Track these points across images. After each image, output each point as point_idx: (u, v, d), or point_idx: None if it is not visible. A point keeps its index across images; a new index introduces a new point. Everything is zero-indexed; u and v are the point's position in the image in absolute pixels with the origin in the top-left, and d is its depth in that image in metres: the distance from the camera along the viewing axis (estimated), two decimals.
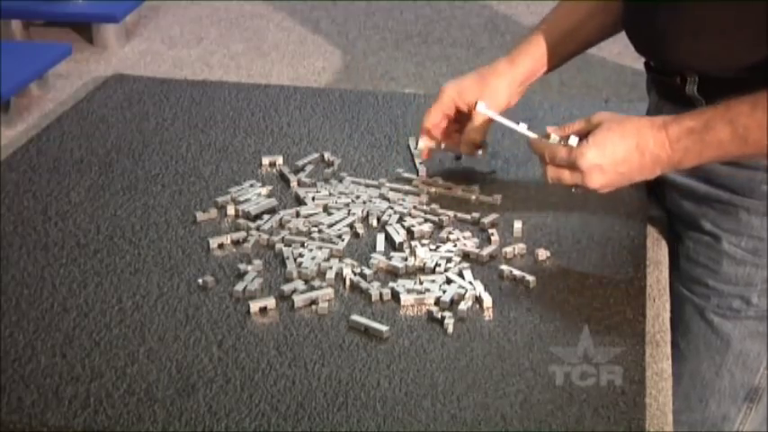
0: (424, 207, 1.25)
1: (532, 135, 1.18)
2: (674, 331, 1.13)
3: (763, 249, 1.17)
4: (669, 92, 1.21)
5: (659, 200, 1.28)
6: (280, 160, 1.38)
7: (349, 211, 1.24)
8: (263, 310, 1.06)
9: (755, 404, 1.24)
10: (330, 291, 1.08)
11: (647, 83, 1.31)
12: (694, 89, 1.16)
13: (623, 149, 1.07)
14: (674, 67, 1.18)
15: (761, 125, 1.02)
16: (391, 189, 1.30)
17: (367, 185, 1.31)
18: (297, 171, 1.35)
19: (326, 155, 1.39)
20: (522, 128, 1.19)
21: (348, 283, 1.10)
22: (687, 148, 1.06)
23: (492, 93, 1.26)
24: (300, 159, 1.38)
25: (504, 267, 1.12)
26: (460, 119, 1.29)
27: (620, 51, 3.81)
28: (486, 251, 1.15)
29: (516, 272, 1.12)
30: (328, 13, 4.63)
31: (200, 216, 1.23)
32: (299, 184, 1.32)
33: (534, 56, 1.28)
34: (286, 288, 1.08)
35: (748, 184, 1.15)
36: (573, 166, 1.10)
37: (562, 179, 1.12)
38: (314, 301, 1.07)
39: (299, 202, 1.27)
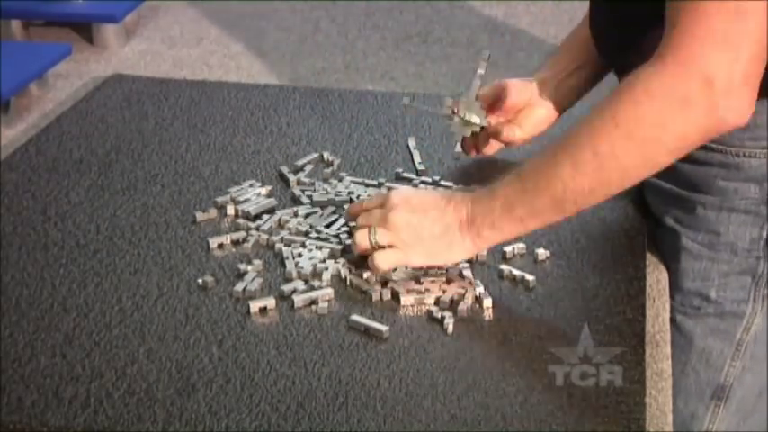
0: None
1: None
2: None
3: (718, 243, 1.17)
4: None
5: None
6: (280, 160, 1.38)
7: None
8: (263, 310, 1.06)
9: (723, 402, 1.24)
10: (330, 291, 1.08)
11: None
12: None
13: (434, 195, 1.11)
14: (613, 62, 1.22)
15: (539, 169, 1.03)
16: (391, 189, 1.29)
17: (367, 185, 1.31)
18: (296, 171, 1.35)
19: (326, 155, 1.39)
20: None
21: (348, 283, 1.10)
22: (480, 201, 1.06)
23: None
24: (300, 159, 1.38)
25: (504, 267, 1.12)
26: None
27: None
28: (485, 251, 1.15)
29: (516, 272, 1.12)
30: (328, 13, 4.63)
31: (199, 216, 1.23)
32: (299, 183, 1.32)
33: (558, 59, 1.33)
34: (286, 288, 1.08)
35: (705, 180, 1.15)
36: (384, 199, 1.10)
37: (370, 221, 1.10)
38: (314, 301, 1.07)
39: (299, 201, 1.27)
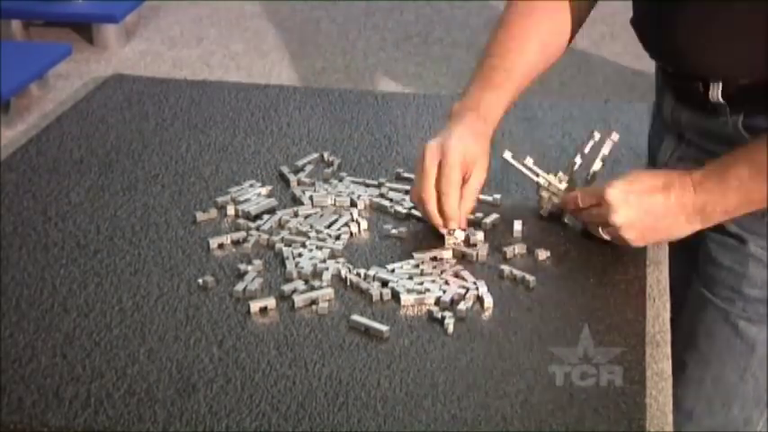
0: None
1: (560, 186, 1.20)
2: (695, 335, 1.11)
3: None
4: (688, 96, 1.20)
5: None
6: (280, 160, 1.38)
7: (349, 210, 1.24)
8: (263, 310, 1.06)
9: None
10: (330, 291, 1.08)
11: (657, 86, 1.29)
12: (718, 94, 1.14)
13: (650, 184, 1.09)
14: (697, 71, 1.16)
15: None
16: (391, 189, 1.30)
17: (367, 185, 1.31)
18: (296, 171, 1.35)
19: (326, 155, 1.39)
20: (545, 177, 1.21)
21: (348, 283, 1.10)
22: (709, 189, 1.06)
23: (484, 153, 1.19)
24: (300, 159, 1.38)
25: (504, 267, 1.12)
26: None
27: (620, 51, 3.81)
28: (484, 251, 1.15)
29: (516, 272, 1.12)
30: (328, 13, 4.63)
31: (200, 216, 1.23)
32: (299, 183, 1.32)
33: (503, 105, 1.23)
34: (286, 288, 1.08)
35: None
36: (600, 199, 1.10)
37: (591, 219, 1.14)
38: (314, 301, 1.07)
39: (299, 202, 1.27)
